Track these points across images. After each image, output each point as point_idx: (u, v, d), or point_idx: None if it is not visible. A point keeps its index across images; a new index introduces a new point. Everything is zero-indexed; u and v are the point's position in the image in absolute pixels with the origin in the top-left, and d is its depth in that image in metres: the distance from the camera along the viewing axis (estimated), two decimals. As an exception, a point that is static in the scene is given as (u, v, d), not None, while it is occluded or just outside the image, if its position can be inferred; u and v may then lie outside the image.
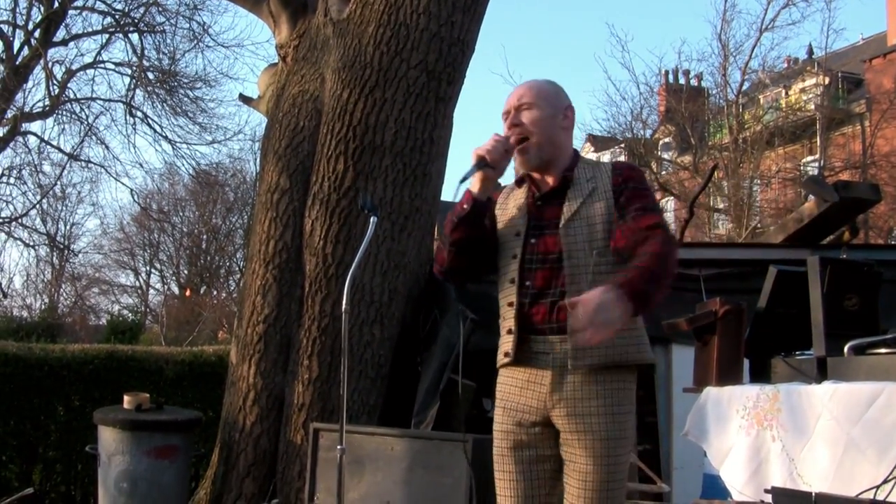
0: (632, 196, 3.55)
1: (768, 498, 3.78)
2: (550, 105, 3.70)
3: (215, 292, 42.51)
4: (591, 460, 3.45)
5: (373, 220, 4.73)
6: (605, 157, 36.95)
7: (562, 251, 3.54)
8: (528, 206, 3.71)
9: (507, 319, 3.63)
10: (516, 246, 3.65)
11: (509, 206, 3.77)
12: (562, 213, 3.60)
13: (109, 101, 25.01)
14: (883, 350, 4.44)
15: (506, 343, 3.63)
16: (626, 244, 3.46)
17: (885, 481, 3.79)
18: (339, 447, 4.53)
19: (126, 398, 7.35)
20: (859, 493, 3.78)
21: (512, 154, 3.67)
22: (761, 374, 5.05)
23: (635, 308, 3.26)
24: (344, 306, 4.55)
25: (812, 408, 4.40)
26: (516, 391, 3.61)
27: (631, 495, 5.64)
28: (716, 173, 27.51)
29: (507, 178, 3.90)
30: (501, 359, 3.66)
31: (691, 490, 6.07)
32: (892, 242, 28.27)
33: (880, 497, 3.71)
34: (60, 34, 23.98)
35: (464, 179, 3.71)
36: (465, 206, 3.63)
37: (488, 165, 3.60)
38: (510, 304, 3.61)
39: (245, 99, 9.39)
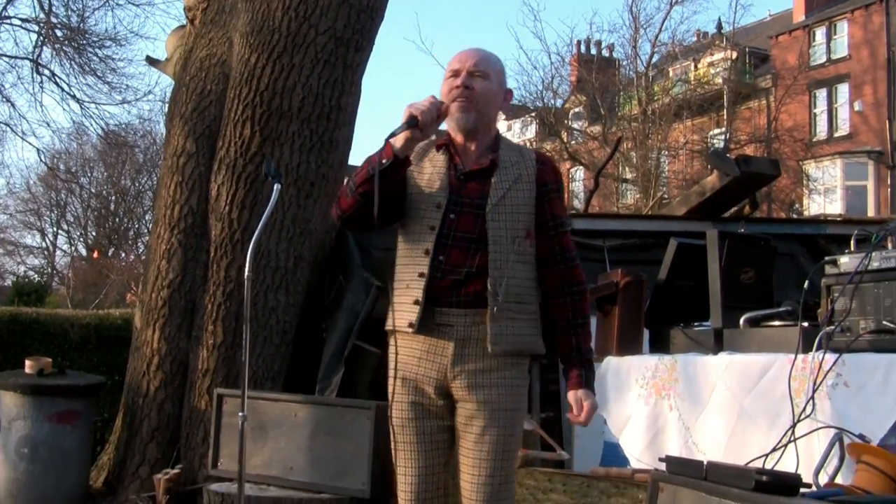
0: (557, 205, 3.67)
1: (663, 466, 3.87)
2: (500, 84, 3.71)
3: (123, 255, 42.04)
4: (490, 430, 3.48)
5: (276, 187, 4.70)
6: (516, 125, 37.16)
7: (485, 234, 3.53)
8: (449, 179, 3.64)
9: (414, 289, 3.56)
10: (434, 218, 3.59)
11: (425, 169, 3.70)
12: (485, 193, 3.58)
13: (15, 58, 24.59)
14: (776, 322, 4.56)
15: (410, 313, 3.57)
16: (545, 259, 3.65)
17: (774, 449, 3.90)
18: (240, 414, 4.51)
19: (27, 363, 7.25)
20: (749, 462, 3.88)
21: (443, 119, 3.63)
22: (660, 345, 5.15)
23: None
24: (247, 273, 4.52)
25: (707, 378, 4.52)
26: (414, 361, 3.59)
27: (532, 462, 5.71)
28: (624, 144, 27.80)
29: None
30: (403, 327, 3.59)
31: (592, 457, 6.16)
32: (794, 216, 28.84)
33: (769, 465, 3.82)
34: (-37, -12, 23.47)
35: (392, 136, 3.58)
36: (383, 161, 3.52)
37: (417, 126, 3.51)
38: (421, 275, 3.56)
39: (152, 61, 9.27)
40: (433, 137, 3.68)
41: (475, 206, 3.57)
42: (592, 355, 3.69)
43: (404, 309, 3.59)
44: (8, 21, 24.50)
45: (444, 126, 3.72)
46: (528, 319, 3.59)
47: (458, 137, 3.68)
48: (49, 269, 41.74)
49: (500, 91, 3.70)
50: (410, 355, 3.61)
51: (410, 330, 3.57)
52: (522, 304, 3.55)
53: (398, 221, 3.71)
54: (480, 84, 3.61)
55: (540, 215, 3.61)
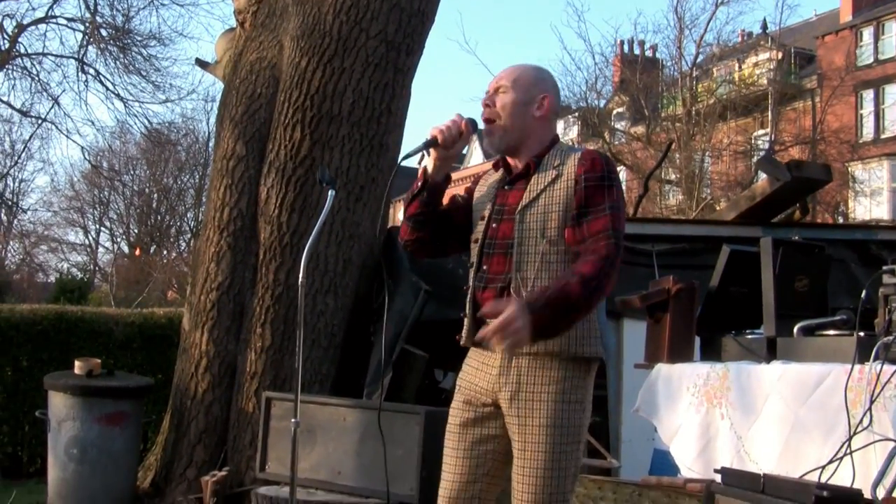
0: (591, 193, 3.45)
1: (718, 477, 3.83)
2: (525, 92, 3.60)
3: (165, 252, 42.30)
4: (531, 446, 3.39)
5: (331, 193, 4.70)
6: (559, 126, 37.13)
7: (514, 237, 3.48)
8: (496, 190, 3.65)
9: (465, 303, 3.60)
10: (479, 230, 3.61)
11: (483, 190, 3.72)
12: (521, 198, 3.53)
13: (61, 56, 24.82)
14: (831, 332, 4.50)
15: (463, 327, 3.61)
16: (577, 248, 3.42)
17: (830, 462, 3.86)
18: (293, 420, 4.50)
19: (77, 363, 7.30)
20: (805, 474, 3.84)
21: (467, 139, 3.62)
22: (712, 353, 5.10)
23: (536, 337, 3.23)
24: (301, 279, 4.52)
25: (761, 387, 4.47)
26: (472, 372, 3.59)
27: (580, 469, 5.69)
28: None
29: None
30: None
31: (639, 463, 6.14)
32: (839, 218, 28.60)
33: (825, 478, 3.78)
34: (12, -13, 23.70)
35: (407, 156, 3.78)
36: (417, 184, 3.64)
37: (438, 145, 3.57)
38: (466, 288, 3.59)
39: (202, 64, 9.32)
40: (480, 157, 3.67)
41: (513, 210, 3.53)
42: (559, 296, 3.23)
43: (463, 323, 3.62)
44: (54, 20, 24.75)
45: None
46: None
47: (506, 156, 3.69)
48: (92, 266, 42.01)
49: (528, 98, 3.60)
50: (469, 366, 3.62)
51: (461, 343, 3.60)
52: None
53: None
54: (500, 99, 3.59)
55: (574, 208, 3.44)
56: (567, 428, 3.42)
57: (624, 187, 35.06)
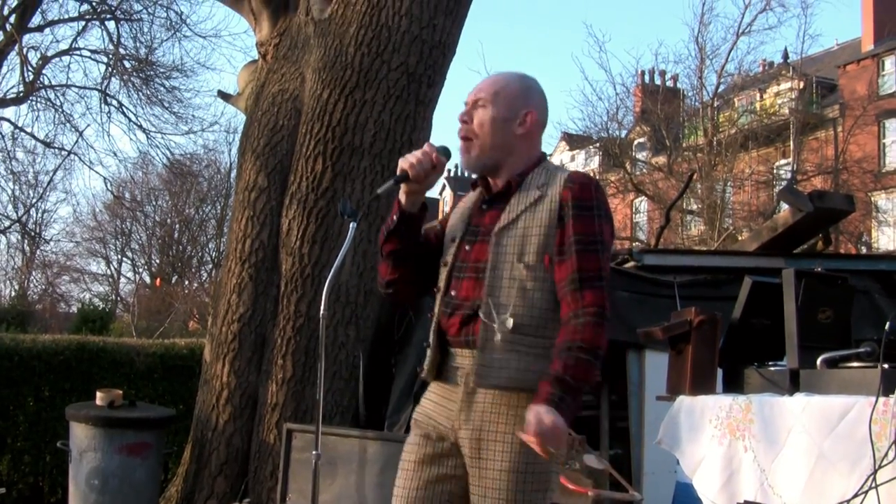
0: (575, 223, 3.20)
1: (740, 510, 3.81)
2: (507, 107, 3.32)
3: (187, 282, 42.42)
4: (491, 493, 3.12)
5: (352, 225, 4.69)
6: (580, 156, 37.12)
7: (488, 260, 3.22)
8: (471, 211, 3.41)
9: (430, 332, 3.35)
10: (449, 252, 3.36)
11: (458, 213, 3.47)
12: (499, 219, 3.28)
13: (84, 88, 24.97)
14: (855, 364, 4.47)
15: (426, 357, 3.35)
16: (560, 288, 3.18)
17: (856, 495, 3.83)
18: (314, 452, 4.48)
19: (99, 394, 7.33)
20: (829, 508, 3.82)
21: (441, 170, 3.33)
22: (734, 384, 5.07)
23: (571, 415, 3.00)
24: (322, 311, 4.51)
25: (784, 420, 4.44)
26: (431, 405, 3.34)
27: (602, 502, 5.66)
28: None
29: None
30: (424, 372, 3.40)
31: (661, 496, 6.09)
32: (863, 248, 28.49)
33: (850, 511, 3.75)
34: (36, 20, 23.86)
35: (378, 193, 3.47)
36: (393, 218, 3.35)
37: (409, 180, 3.28)
38: (431, 316, 3.36)
39: (224, 95, 9.37)
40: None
41: (488, 231, 3.27)
42: (578, 384, 3.05)
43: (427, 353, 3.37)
44: (78, 52, 24.92)
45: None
46: (537, 354, 3.15)
47: (486, 175, 3.41)
48: (113, 297, 42.11)
49: (509, 115, 3.32)
50: (429, 398, 3.38)
51: (422, 375, 3.38)
52: (526, 335, 3.14)
53: None
54: (479, 115, 3.32)
55: (559, 237, 3.18)
56: (532, 475, 3.15)
57: (645, 218, 34.97)
